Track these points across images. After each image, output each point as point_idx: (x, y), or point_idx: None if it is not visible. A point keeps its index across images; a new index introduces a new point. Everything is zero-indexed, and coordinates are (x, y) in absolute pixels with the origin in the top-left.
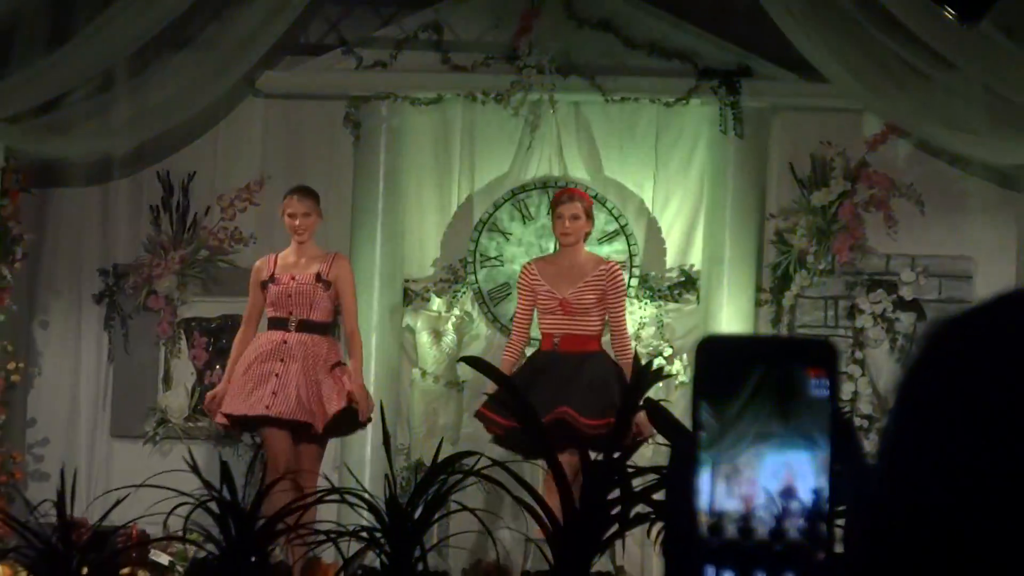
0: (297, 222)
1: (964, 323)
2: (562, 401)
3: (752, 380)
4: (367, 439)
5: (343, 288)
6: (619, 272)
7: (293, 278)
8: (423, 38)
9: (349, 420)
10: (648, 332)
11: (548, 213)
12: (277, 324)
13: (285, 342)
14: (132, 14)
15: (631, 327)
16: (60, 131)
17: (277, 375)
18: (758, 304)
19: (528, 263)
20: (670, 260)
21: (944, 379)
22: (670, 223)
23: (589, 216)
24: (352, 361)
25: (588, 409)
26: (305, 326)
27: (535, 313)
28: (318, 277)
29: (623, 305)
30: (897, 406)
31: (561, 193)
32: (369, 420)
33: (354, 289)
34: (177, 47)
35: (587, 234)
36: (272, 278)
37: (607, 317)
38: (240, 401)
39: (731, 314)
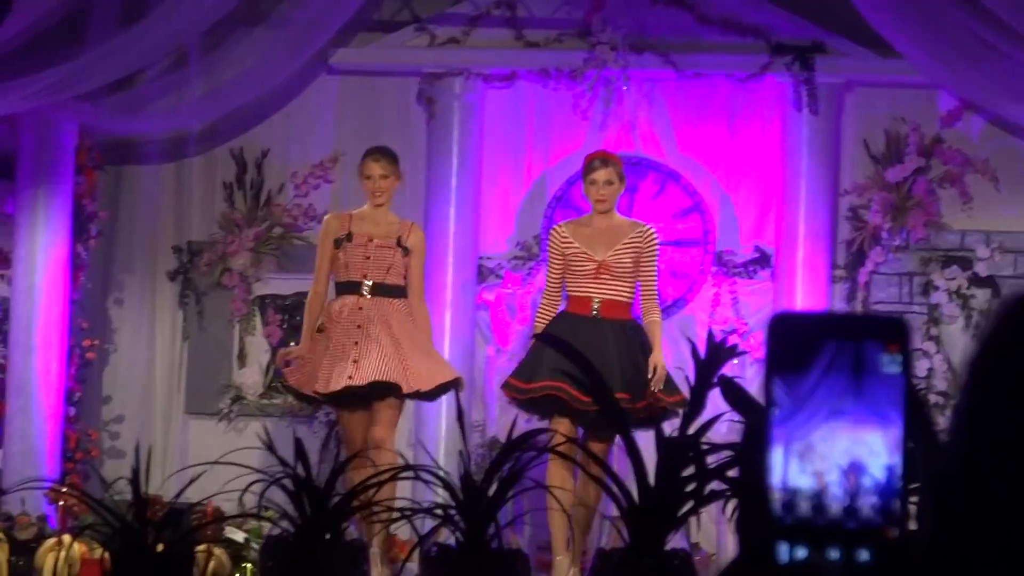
0: (375, 184)
1: None
2: (613, 385)
3: (824, 357)
4: (442, 416)
5: (415, 259)
6: (655, 235)
7: (371, 240)
8: (496, 14)
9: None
10: (722, 309)
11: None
12: (349, 288)
13: (361, 308)
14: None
15: (705, 304)
16: (134, 109)
17: (357, 343)
18: (833, 281)
19: (558, 226)
20: (744, 237)
21: (1017, 355)
22: (744, 200)
23: (622, 179)
24: (422, 333)
25: (636, 392)
26: (380, 290)
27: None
28: (399, 242)
29: (655, 269)
30: (968, 382)
31: (592, 158)
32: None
33: (423, 262)
34: (251, 24)
35: (619, 196)
36: (348, 236)
37: (639, 282)
38: (323, 379)
39: (806, 291)
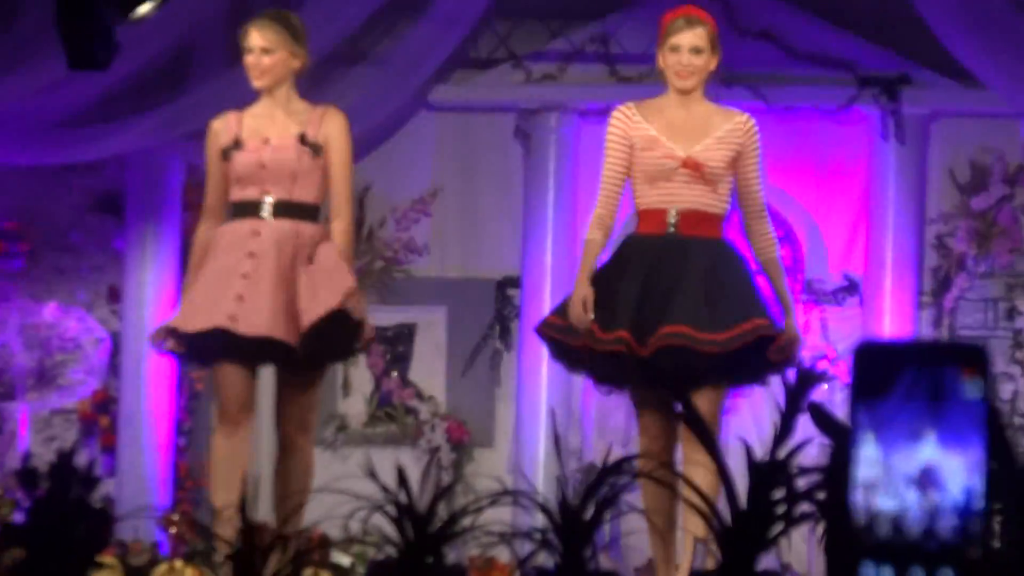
0: (251, 59)
1: None
2: (671, 316)
3: (906, 383)
4: (539, 442)
5: (335, 152)
6: (757, 129)
7: (267, 141)
8: (590, 50)
9: (340, 335)
10: (812, 336)
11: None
12: (245, 210)
13: (257, 233)
14: (308, 31)
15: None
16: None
17: (245, 275)
18: (920, 307)
19: (623, 107)
20: (833, 265)
21: None
22: (832, 229)
23: (715, 49)
24: (336, 248)
25: (707, 321)
26: (285, 209)
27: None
28: (303, 139)
29: (760, 177)
30: None
31: (675, 15)
32: (365, 343)
33: (349, 154)
34: (352, 62)
35: (710, 74)
36: (237, 143)
37: (739, 192)
38: (193, 315)
39: (893, 317)
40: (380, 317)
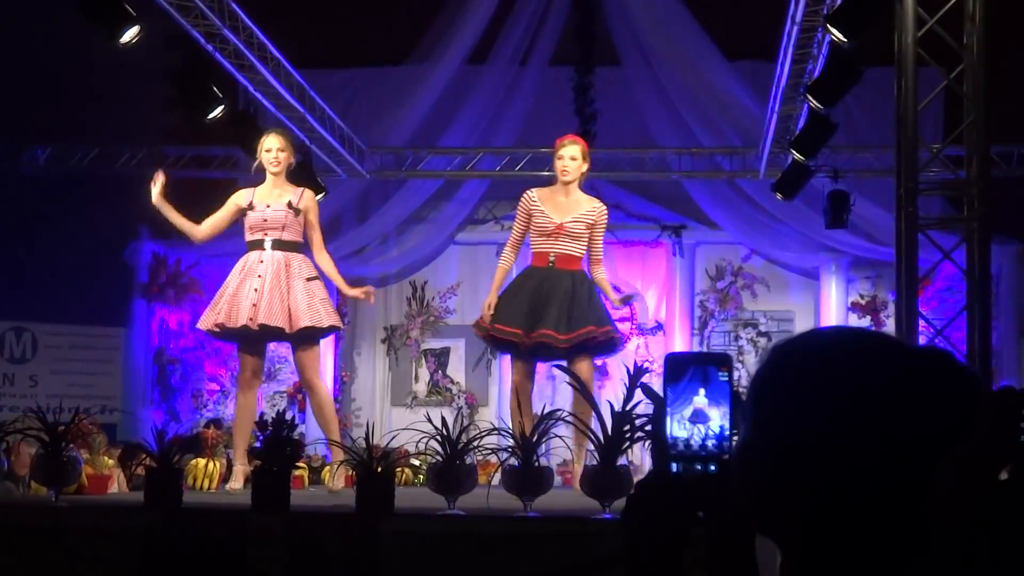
0: (272, 155)
1: (789, 343)
2: (544, 323)
3: (689, 372)
4: (504, 406)
5: (311, 216)
6: (606, 213)
7: (269, 206)
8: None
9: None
10: (641, 350)
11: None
12: (254, 245)
13: (261, 261)
14: (395, 202)
15: (632, 347)
16: (364, 262)
17: (256, 289)
18: (693, 335)
19: (530, 191)
20: (651, 314)
21: (776, 372)
22: (652, 298)
23: (585, 158)
24: (334, 274)
25: (563, 326)
26: (278, 244)
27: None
28: (289, 205)
29: (602, 240)
30: (752, 386)
31: (563, 138)
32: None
33: (318, 217)
34: (417, 222)
35: (583, 174)
36: (251, 206)
37: (589, 248)
38: (224, 316)
39: (681, 341)
40: (432, 343)
